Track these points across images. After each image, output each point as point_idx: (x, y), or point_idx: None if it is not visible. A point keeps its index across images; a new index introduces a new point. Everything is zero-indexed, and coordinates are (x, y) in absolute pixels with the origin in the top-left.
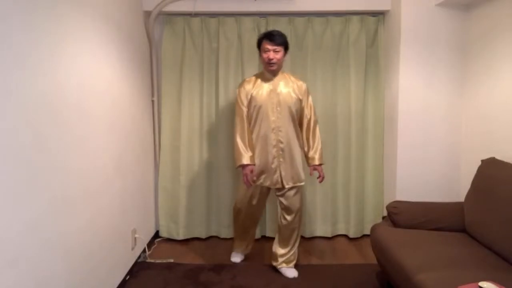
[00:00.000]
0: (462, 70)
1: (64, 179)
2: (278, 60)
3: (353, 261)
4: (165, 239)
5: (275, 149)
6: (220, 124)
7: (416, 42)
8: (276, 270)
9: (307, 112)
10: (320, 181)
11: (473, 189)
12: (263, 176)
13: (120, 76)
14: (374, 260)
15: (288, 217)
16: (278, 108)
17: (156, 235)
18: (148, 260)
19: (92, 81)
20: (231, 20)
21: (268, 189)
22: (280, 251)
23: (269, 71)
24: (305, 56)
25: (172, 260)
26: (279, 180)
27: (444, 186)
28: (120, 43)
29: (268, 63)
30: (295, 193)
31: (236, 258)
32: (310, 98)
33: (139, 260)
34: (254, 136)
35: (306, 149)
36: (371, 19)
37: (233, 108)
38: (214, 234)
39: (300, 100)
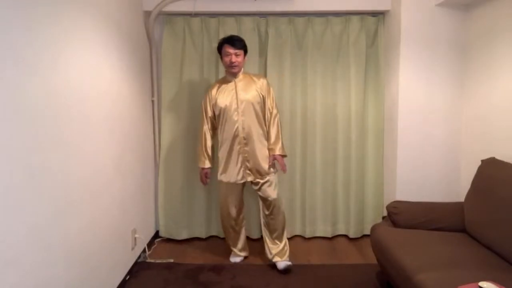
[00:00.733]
0: (462, 70)
1: (64, 179)
2: (240, 62)
3: (353, 261)
4: (165, 239)
5: (239, 146)
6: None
7: (416, 42)
8: (276, 270)
9: (269, 106)
10: (284, 171)
11: (473, 189)
12: (227, 174)
13: (120, 76)
14: (374, 260)
15: (267, 210)
16: (241, 107)
17: (156, 235)
18: (148, 260)
19: (92, 81)
20: (231, 20)
21: (242, 185)
22: (270, 246)
23: (230, 74)
24: (305, 56)
25: (172, 260)
26: (244, 175)
27: (444, 186)
28: (120, 43)
29: (230, 66)
30: (269, 185)
31: (236, 258)
32: (272, 93)
33: (139, 260)
34: (222, 137)
35: (267, 140)
36: (371, 19)
37: None
38: (214, 234)
39: (263, 97)
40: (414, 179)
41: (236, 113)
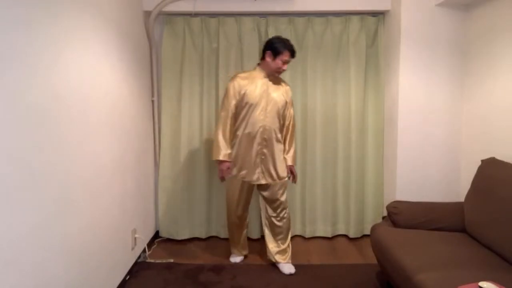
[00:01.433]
0: (462, 70)
1: (64, 179)
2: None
3: (353, 261)
4: (165, 239)
5: (259, 147)
6: None
7: (416, 42)
8: (276, 270)
9: (289, 115)
10: (294, 182)
11: (473, 189)
12: (244, 172)
13: (120, 76)
14: (374, 260)
15: (273, 212)
16: (269, 108)
17: (156, 235)
18: (148, 260)
19: (92, 81)
20: (231, 20)
21: (251, 186)
22: (272, 247)
23: (269, 74)
24: (305, 56)
25: (172, 260)
26: (260, 176)
27: (444, 186)
28: (120, 43)
29: (278, 71)
30: (279, 189)
31: (236, 258)
32: (292, 102)
33: (139, 260)
34: (239, 132)
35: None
36: (371, 19)
37: None
38: (214, 234)
39: (287, 103)
40: (414, 179)
41: (263, 112)
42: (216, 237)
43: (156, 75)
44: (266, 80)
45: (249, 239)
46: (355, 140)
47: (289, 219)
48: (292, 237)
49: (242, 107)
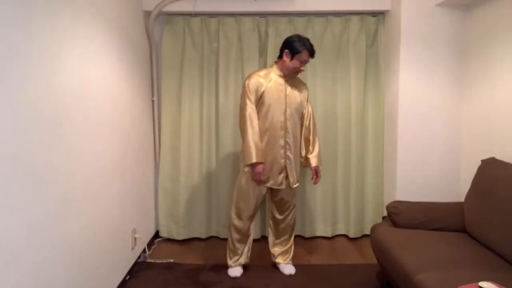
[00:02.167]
0: (462, 70)
1: (64, 179)
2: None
3: (353, 261)
4: (165, 239)
5: (282, 150)
6: (220, 124)
7: (416, 42)
8: (276, 270)
9: (309, 114)
10: (315, 183)
11: (473, 189)
12: (267, 177)
13: (120, 76)
14: (374, 260)
15: (281, 214)
16: (288, 109)
17: (156, 235)
18: (148, 260)
19: (92, 82)
20: (231, 20)
21: (266, 190)
22: (276, 249)
23: (286, 73)
24: None
25: (172, 260)
26: (283, 181)
27: (444, 186)
28: (120, 43)
29: (295, 71)
30: (293, 191)
31: (235, 271)
32: (309, 100)
33: (139, 260)
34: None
35: (305, 151)
36: (371, 19)
37: (232, 107)
38: (214, 234)
39: (304, 102)
40: (414, 179)
41: (283, 114)
42: (216, 237)
43: (156, 75)
44: (283, 80)
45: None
46: (355, 140)
47: (294, 220)
48: None
49: (261, 108)
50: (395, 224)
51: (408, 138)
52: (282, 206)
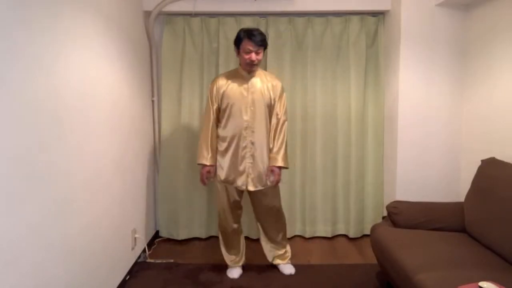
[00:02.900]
0: (462, 70)
1: (65, 180)
2: (259, 61)
3: (353, 261)
4: (165, 239)
5: (245, 151)
6: None
7: (416, 42)
8: (276, 270)
9: (278, 111)
10: (274, 185)
11: (473, 189)
12: (231, 178)
13: (120, 76)
14: (374, 260)
15: (268, 221)
16: (252, 108)
17: (156, 235)
18: (148, 260)
19: (92, 81)
20: (231, 20)
21: (240, 192)
22: (270, 250)
23: (247, 70)
24: (305, 56)
25: (172, 260)
26: (249, 182)
27: (444, 186)
28: (120, 43)
29: (250, 64)
30: (274, 196)
31: (233, 272)
32: (283, 98)
33: (139, 260)
34: (225, 135)
35: (270, 148)
36: (371, 19)
37: None
38: (214, 234)
39: (273, 99)
40: (414, 179)
41: (246, 113)
42: (216, 237)
43: (156, 75)
44: (248, 78)
45: (248, 239)
46: (355, 140)
47: (284, 221)
48: (292, 237)
49: (224, 109)
50: (395, 224)
51: (408, 138)
52: (264, 211)
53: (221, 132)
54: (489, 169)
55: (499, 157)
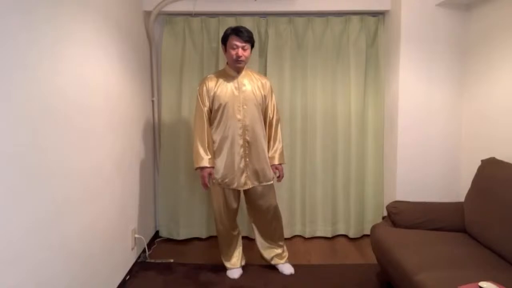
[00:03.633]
0: (462, 70)
1: (65, 180)
2: (246, 57)
3: (353, 261)
4: (165, 239)
5: (242, 149)
6: None
7: (416, 42)
8: (276, 270)
9: (270, 110)
10: (278, 180)
11: (473, 189)
12: (228, 179)
13: (120, 76)
14: (374, 260)
15: (264, 218)
16: (245, 106)
17: (156, 235)
18: (148, 260)
19: (92, 82)
20: (231, 20)
21: (236, 193)
22: (268, 254)
23: (234, 68)
24: (305, 56)
25: (172, 260)
26: (247, 181)
27: (444, 186)
28: (120, 43)
29: (237, 60)
30: (270, 195)
31: (234, 273)
32: (273, 96)
33: (139, 260)
34: (218, 136)
35: (268, 147)
36: (371, 19)
37: None
38: (214, 234)
39: (264, 97)
40: (414, 179)
41: (239, 112)
42: (216, 237)
43: (156, 75)
44: (237, 77)
45: (248, 238)
46: (355, 140)
47: (281, 222)
48: (292, 237)
49: (216, 110)
50: (395, 224)
51: (408, 138)
52: (260, 212)
53: (214, 133)
54: (489, 169)
55: (499, 157)
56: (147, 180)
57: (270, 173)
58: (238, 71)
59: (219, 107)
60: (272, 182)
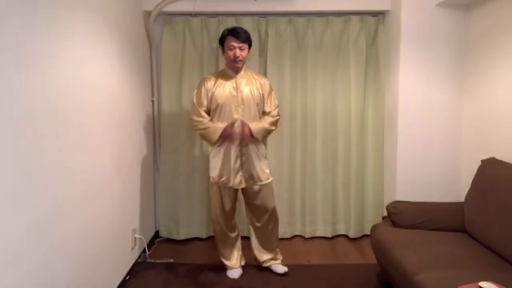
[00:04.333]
0: (462, 70)
1: (64, 180)
2: (244, 57)
3: (353, 261)
4: (165, 239)
5: (238, 149)
6: None
7: (416, 42)
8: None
9: (267, 107)
10: (230, 140)
11: (473, 189)
12: (224, 178)
13: (120, 76)
14: (374, 260)
15: (261, 220)
16: (242, 106)
17: (156, 235)
18: (148, 260)
19: (92, 82)
20: (231, 20)
21: (235, 191)
22: (263, 255)
23: (233, 69)
24: (305, 56)
25: (172, 260)
26: (242, 180)
27: (444, 186)
28: (120, 43)
29: (234, 60)
30: (268, 195)
31: (234, 273)
32: (273, 95)
33: (139, 260)
34: None
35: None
36: (371, 19)
37: None
38: (214, 234)
39: (263, 97)
40: (414, 179)
41: (236, 112)
42: None
43: (156, 75)
44: (235, 77)
45: (248, 238)
46: (355, 140)
47: (277, 225)
48: (292, 237)
49: (214, 110)
50: (395, 224)
51: (408, 138)
52: (257, 212)
53: None
54: (489, 169)
55: (499, 157)
56: (147, 180)
57: (266, 173)
58: (237, 71)
59: (217, 107)
60: (268, 182)
